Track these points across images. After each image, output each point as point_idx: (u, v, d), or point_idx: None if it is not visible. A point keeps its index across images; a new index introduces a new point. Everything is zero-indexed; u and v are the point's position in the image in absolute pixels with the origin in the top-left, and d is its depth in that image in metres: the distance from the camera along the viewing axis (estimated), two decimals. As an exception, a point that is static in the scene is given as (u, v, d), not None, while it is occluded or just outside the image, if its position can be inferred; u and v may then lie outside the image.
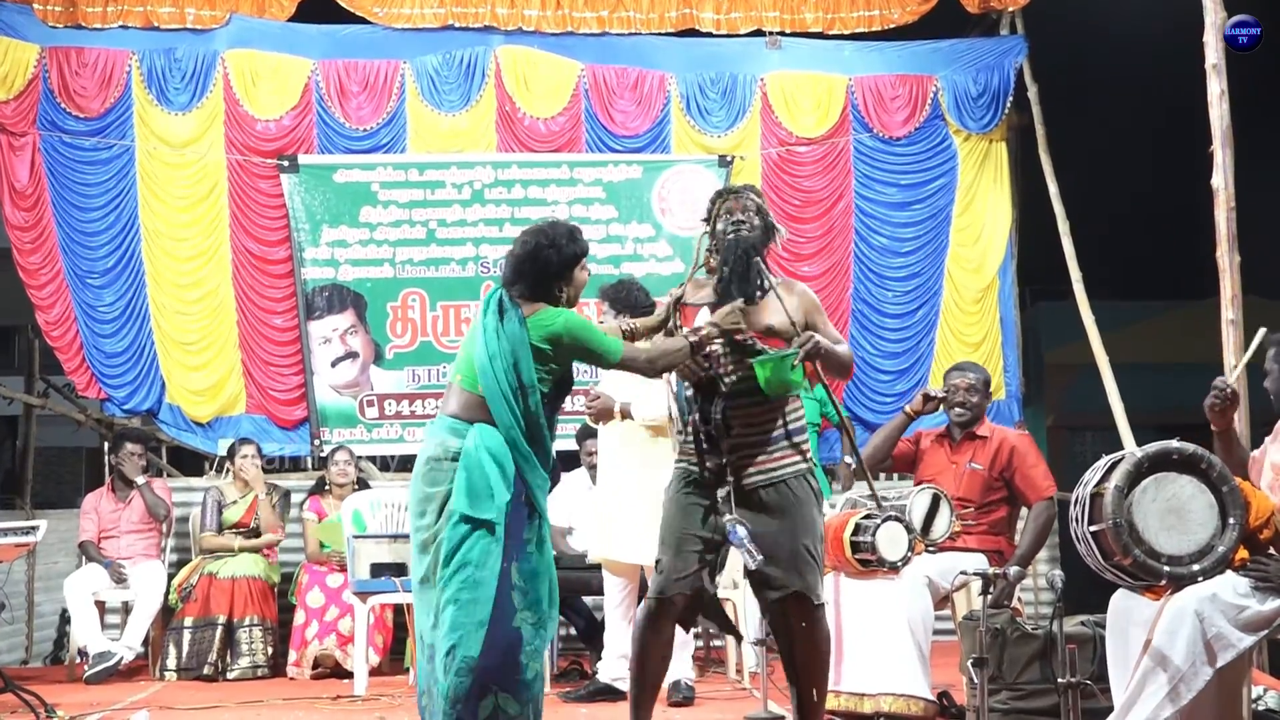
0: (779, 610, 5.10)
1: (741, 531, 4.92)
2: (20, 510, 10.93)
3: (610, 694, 7.18)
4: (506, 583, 4.90)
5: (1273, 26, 8.17)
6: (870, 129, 10.98)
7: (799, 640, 5.10)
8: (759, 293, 5.07)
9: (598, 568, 7.46)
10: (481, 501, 4.89)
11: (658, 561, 5.10)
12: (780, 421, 5.07)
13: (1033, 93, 11.00)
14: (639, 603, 6.95)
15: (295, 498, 9.53)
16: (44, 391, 11.95)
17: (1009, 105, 11.03)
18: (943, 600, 6.56)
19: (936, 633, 6.49)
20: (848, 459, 7.60)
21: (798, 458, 5.09)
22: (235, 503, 9.23)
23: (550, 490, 5.08)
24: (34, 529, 6.99)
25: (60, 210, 10.36)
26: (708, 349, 5.07)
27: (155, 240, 10.48)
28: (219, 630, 8.66)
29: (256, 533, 9.21)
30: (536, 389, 4.92)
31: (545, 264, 5.05)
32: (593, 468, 8.39)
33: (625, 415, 6.93)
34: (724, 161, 10.75)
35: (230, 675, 8.63)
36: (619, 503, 7.01)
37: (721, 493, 5.03)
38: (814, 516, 5.07)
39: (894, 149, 11.01)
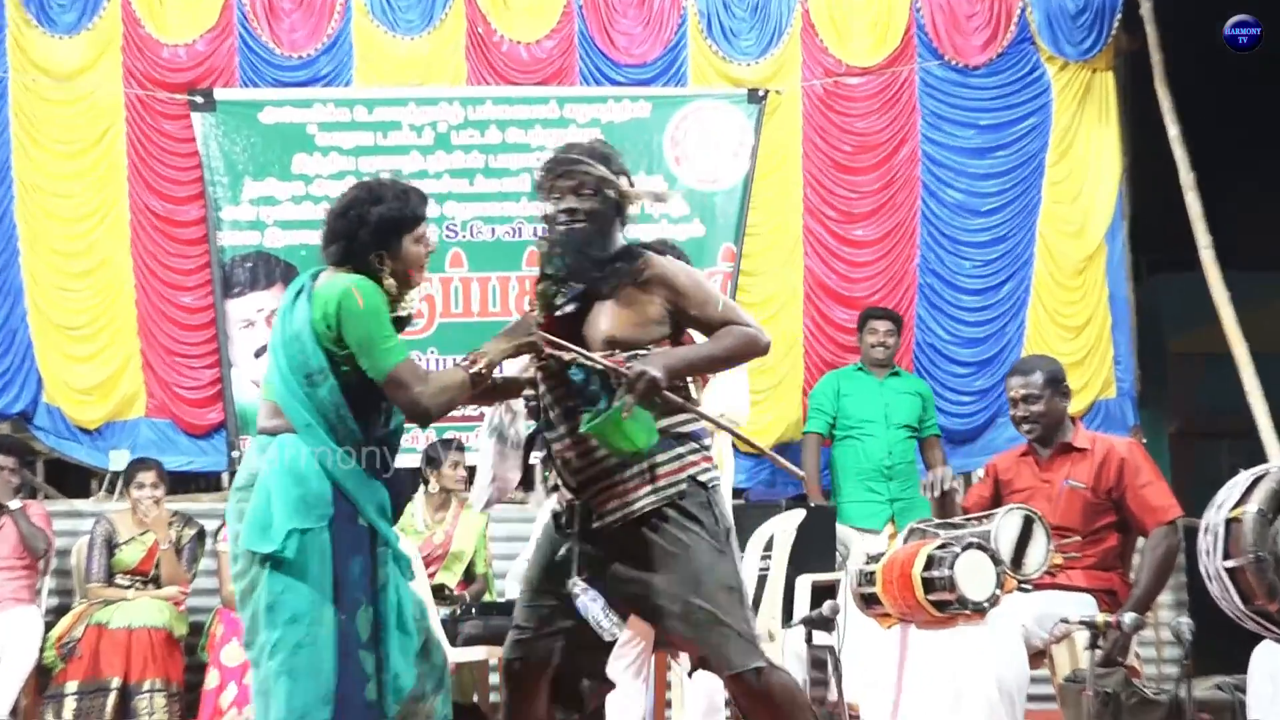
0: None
1: (587, 602, 4.89)
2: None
3: None
4: (350, 641, 4.88)
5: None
6: (941, 56, 11.01)
7: None
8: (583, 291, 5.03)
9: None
10: (256, 530, 4.88)
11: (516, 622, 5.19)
12: None
13: (1146, 9, 10.90)
14: (652, 665, 7.28)
15: (211, 525, 9.45)
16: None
17: (1116, 26, 11.04)
18: (1039, 655, 6.50)
19: (1031, 698, 6.39)
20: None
21: (670, 479, 4.94)
22: (131, 541, 9.21)
23: (401, 507, 5.11)
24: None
25: (-90, 158, 10.51)
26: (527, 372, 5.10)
27: (32, 196, 10.41)
28: (111, 696, 8.61)
29: (159, 581, 9.20)
30: (327, 374, 4.94)
31: (359, 221, 5.02)
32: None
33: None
34: (755, 97, 10.77)
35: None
36: None
37: (563, 550, 5.04)
38: (704, 561, 4.90)
39: (971, 81, 11.00)
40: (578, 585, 4.89)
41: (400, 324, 5.07)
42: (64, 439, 10.33)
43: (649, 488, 4.89)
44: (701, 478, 4.94)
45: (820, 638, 6.79)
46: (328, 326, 4.92)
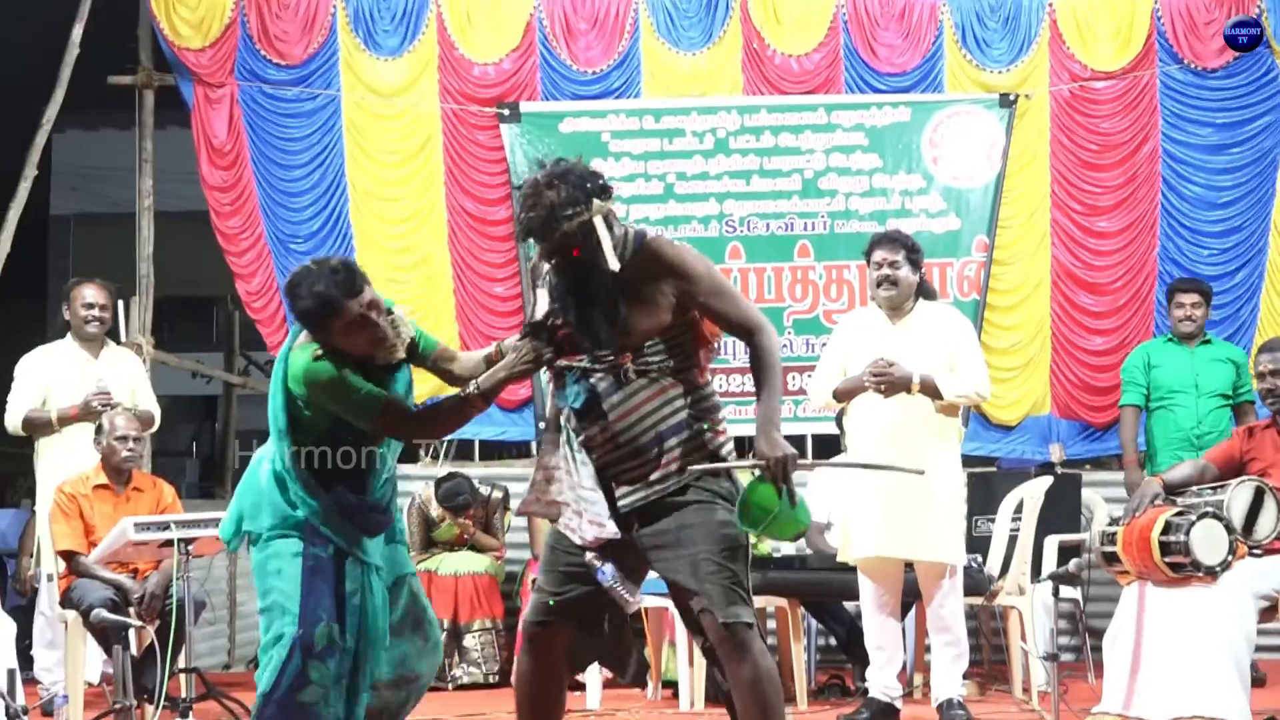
0: (701, 640, 4.76)
1: (609, 570, 4.67)
2: (221, 500, 11.27)
3: (891, 714, 7.27)
4: (301, 649, 4.86)
5: None
6: (1180, 60, 10.74)
7: (731, 683, 4.70)
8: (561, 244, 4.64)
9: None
10: (229, 522, 5.06)
11: (533, 581, 4.92)
12: (655, 420, 4.70)
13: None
14: (903, 608, 7.24)
15: (519, 488, 9.38)
16: (245, 369, 12.42)
17: (1348, 29, 10.83)
18: (1270, 611, 6.44)
19: (1263, 649, 6.57)
20: None
21: (692, 460, 4.70)
22: (445, 521, 9.49)
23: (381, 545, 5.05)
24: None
25: (261, 168, 10.70)
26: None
27: (364, 200, 10.74)
28: (443, 635, 8.77)
29: (475, 547, 9.48)
30: (285, 438, 4.94)
31: (293, 305, 4.91)
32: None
33: (928, 391, 7.07)
34: (1006, 101, 10.71)
35: (458, 684, 8.86)
36: (885, 489, 7.04)
37: None
38: (716, 519, 4.67)
39: (1209, 83, 10.75)
40: (594, 559, 4.67)
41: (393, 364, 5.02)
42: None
43: (673, 468, 4.67)
44: (722, 452, 4.74)
45: (1066, 592, 7.09)
46: (302, 394, 4.89)
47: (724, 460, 4.72)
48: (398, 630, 5.12)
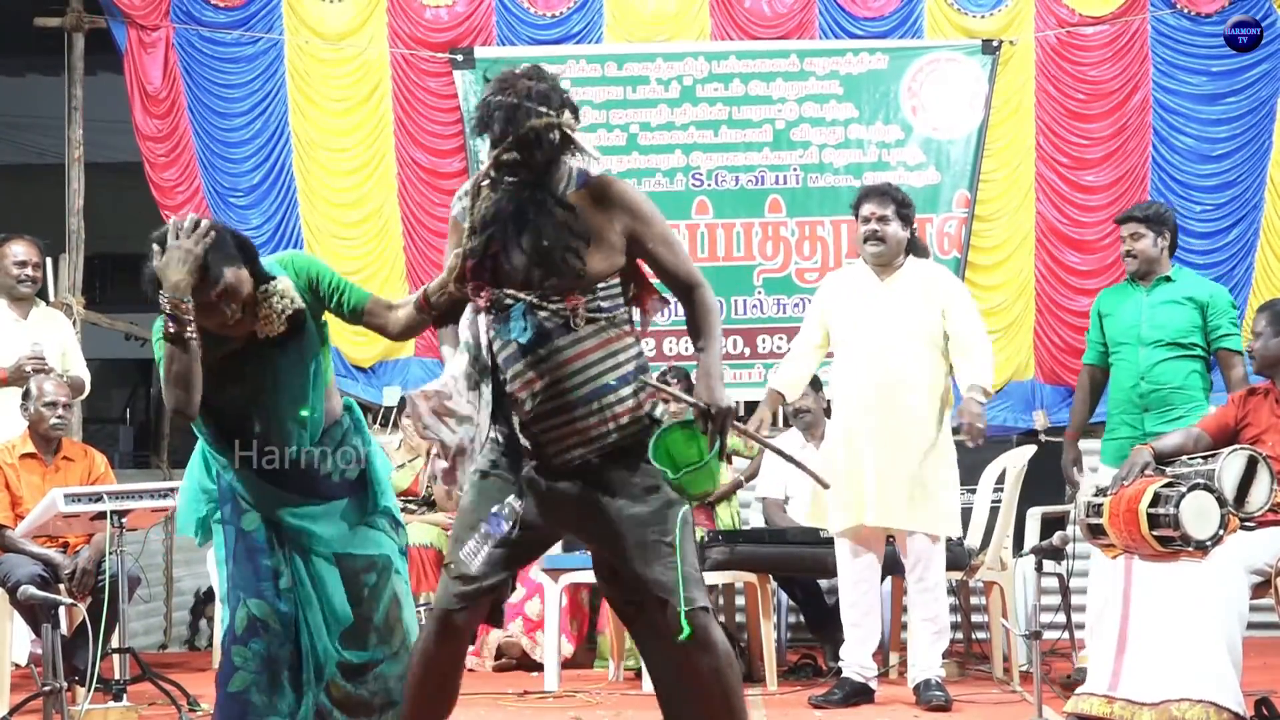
0: (642, 632, 4.68)
1: (503, 526, 4.48)
2: (157, 470, 11.33)
3: (866, 695, 7.33)
4: (226, 632, 4.82)
5: None
6: (1173, 4, 10.70)
7: (688, 674, 4.55)
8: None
9: (831, 542, 7.51)
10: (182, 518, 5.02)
11: (448, 565, 4.59)
12: (599, 371, 4.50)
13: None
14: (880, 581, 7.31)
15: None
16: (181, 331, 12.22)
17: (1351, -32, 10.75)
18: (1263, 586, 6.40)
19: (1255, 626, 6.41)
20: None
21: (632, 415, 4.54)
22: (402, 467, 9.46)
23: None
24: (172, 491, 6.95)
25: (198, 117, 10.72)
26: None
27: (308, 151, 10.76)
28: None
29: (429, 502, 9.42)
30: None
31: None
32: (808, 423, 8.89)
33: (986, 397, 7.22)
34: (989, 47, 10.70)
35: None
36: (874, 455, 7.15)
37: (523, 473, 4.57)
38: (665, 497, 4.52)
39: (1203, 28, 10.68)
40: (515, 505, 4.48)
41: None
42: (340, 377, 10.19)
43: (612, 425, 4.49)
44: (655, 414, 4.57)
45: (1049, 566, 7.08)
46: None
47: (659, 421, 4.55)
48: (362, 627, 5.01)
